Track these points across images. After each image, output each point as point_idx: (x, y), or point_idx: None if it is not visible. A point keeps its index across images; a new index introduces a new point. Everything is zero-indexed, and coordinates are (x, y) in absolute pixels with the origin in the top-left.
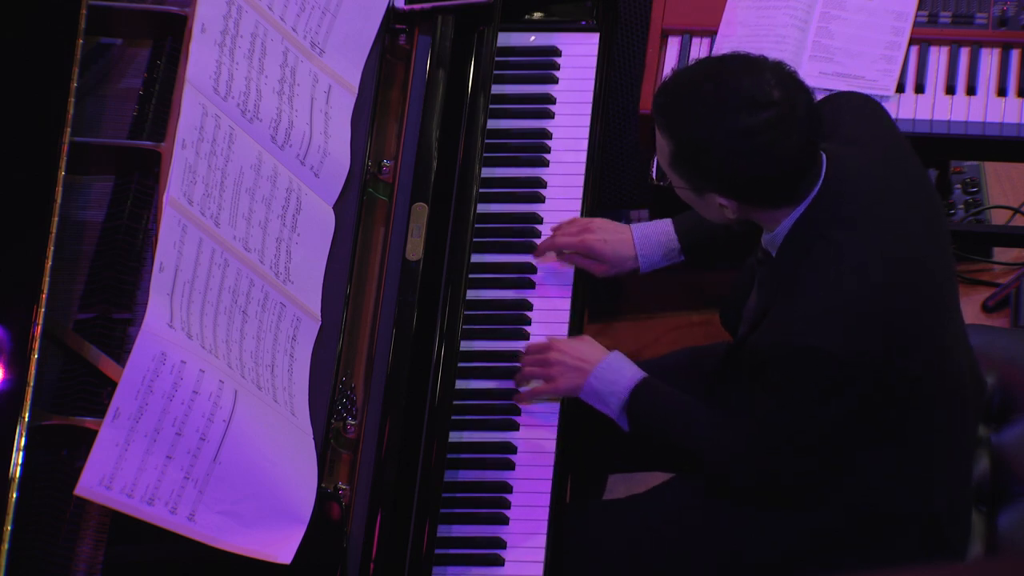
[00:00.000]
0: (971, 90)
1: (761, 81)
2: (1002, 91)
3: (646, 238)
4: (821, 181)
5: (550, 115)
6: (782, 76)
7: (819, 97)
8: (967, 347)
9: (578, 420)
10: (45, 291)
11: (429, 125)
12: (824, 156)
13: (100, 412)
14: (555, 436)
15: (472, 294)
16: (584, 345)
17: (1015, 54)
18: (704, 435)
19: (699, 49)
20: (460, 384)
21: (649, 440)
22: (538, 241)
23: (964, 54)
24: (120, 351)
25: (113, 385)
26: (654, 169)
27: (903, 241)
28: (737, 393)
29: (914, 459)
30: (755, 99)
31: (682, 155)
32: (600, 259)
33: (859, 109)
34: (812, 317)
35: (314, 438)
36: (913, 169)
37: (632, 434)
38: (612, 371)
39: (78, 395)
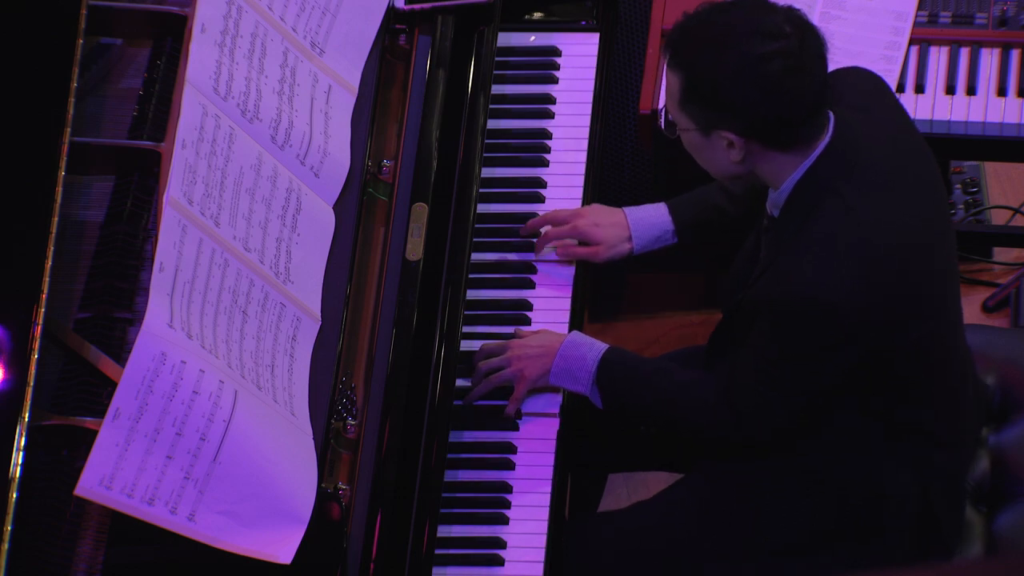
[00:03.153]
0: (971, 90)
1: (774, 16)
2: (1002, 91)
3: (640, 220)
4: (829, 137)
5: (550, 115)
6: (794, 16)
7: None
8: (965, 346)
9: (578, 420)
10: (45, 291)
11: (429, 125)
12: (832, 115)
13: (100, 412)
14: (555, 436)
15: (472, 294)
16: (541, 335)
17: (1015, 54)
18: (678, 393)
19: None
20: (460, 384)
21: (624, 411)
22: (537, 241)
23: (964, 54)
24: (120, 351)
25: (113, 385)
26: (662, 118)
27: (910, 212)
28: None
29: (911, 436)
30: (767, 30)
31: (692, 87)
32: (594, 243)
33: (865, 81)
34: (815, 268)
35: (314, 438)
36: (919, 147)
37: (606, 408)
38: (576, 347)
39: (78, 395)
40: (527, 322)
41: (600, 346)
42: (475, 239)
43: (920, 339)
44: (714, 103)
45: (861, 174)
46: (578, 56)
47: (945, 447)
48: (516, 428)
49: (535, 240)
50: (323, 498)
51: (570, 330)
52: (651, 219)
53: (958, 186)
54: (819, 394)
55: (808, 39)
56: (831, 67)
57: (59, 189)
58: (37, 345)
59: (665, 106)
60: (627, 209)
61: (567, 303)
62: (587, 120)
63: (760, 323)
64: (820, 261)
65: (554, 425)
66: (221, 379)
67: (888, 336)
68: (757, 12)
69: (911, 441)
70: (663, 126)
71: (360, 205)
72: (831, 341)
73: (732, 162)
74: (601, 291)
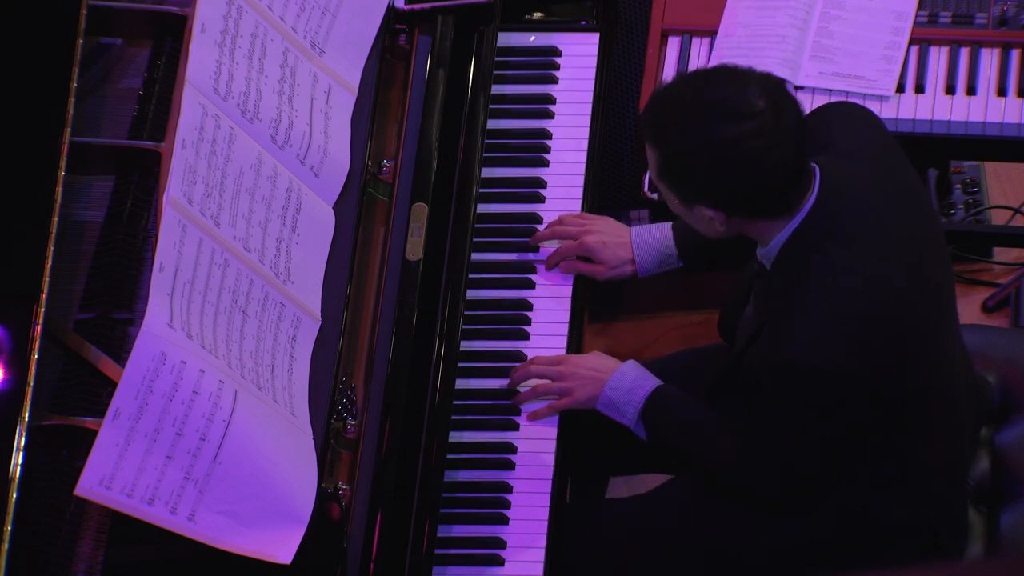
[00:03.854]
0: (971, 90)
1: (746, 92)
2: (1002, 91)
3: (644, 243)
4: (815, 195)
5: (550, 115)
6: (768, 87)
7: (817, 97)
8: (964, 356)
9: (578, 420)
10: (45, 291)
11: (429, 125)
12: (817, 169)
13: (100, 412)
14: (555, 436)
15: (472, 294)
16: (596, 358)
17: (1015, 54)
18: (721, 443)
19: (699, 49)
20: (460, 384)
21: (665, 449)
22: (537, 254)
23: (964, 54)
24: (120, 351)
25: (113, 385)
26: (646, 182)
27: (900, 256)
28: (736, 406)
29: (911, 474)
30: (739, 109)
31: (669, 167)
32: (598, 261)
33: (850, 118)
34: (809, 335)
35: (314, 438)
36: (907, 177)
37: (650, 443)
38: (627, 379)
39: (78, 395)
40: (527, 322)
41: (649, 384)
42: (475, 239)
43: (918, 380)
44: (690, 183)
45: (849, 229)
46: (578, 56)
47: (946, 479)
48: (516, 428)
49: (540, 245)
50: (323, 498)
51: (570, 331)
52: (655, 242)
53: (958, 186)
54: (833, 446)
55: (783, 110)
56: (831, 67)
57: (59, 189)
58: (37, 345)
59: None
60: (634, 229)
61: (567, 303)
62: (587, 120)
63: (761, 389)
64: (812, 329)
65: (554, 426)
66: (221, 379)
67: (888, 389)
68: (730, 86)
69: (911, 476)
70: (647, 188)
71: (360, 205)
72: (832, 402)
73: (717, 231)
74: (601, 291)
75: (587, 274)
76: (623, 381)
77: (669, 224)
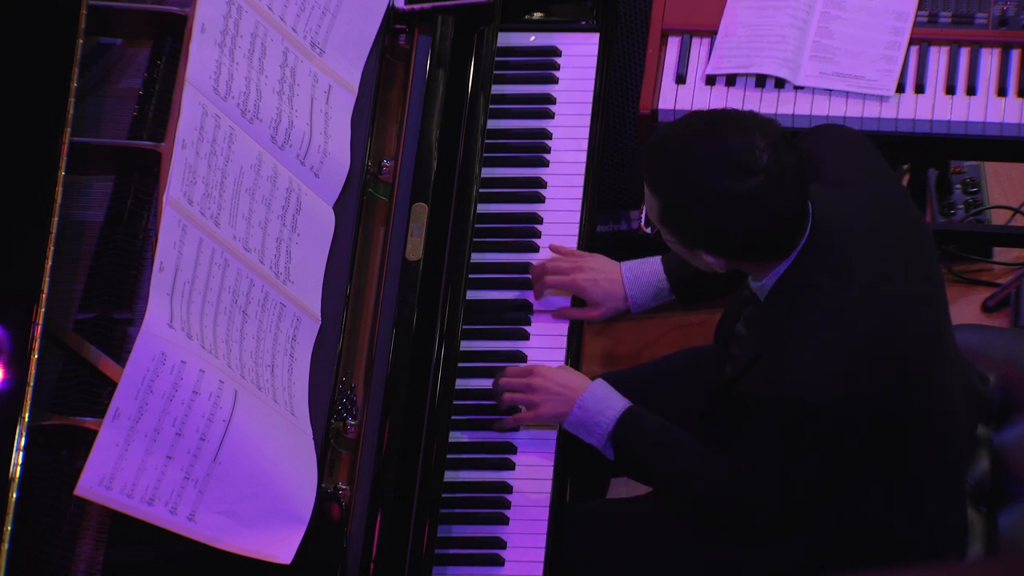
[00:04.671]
0: (971, 90)
1: (750, 143)
2: (1002, 91)
3: (636, 279)
4: (808, 231)
5: (550, 115)
6: (771, 136)
7: (817, 97)
8: (961, 367)
9: None
10: (45, 291)
11: (429, 125)
12: (810, 205)
13: (100, 412)
14: (555, 436)
15: (472, 294)
16: (567, 373)
17: (1015, 54)
18: (690, 467)
19: (699, 49)
20: (460, 384)
21: (632, 470)
22: (537, 255)
23: (964, 54)
24: (120, 351)
25: (113, 385)
26: (643, 218)
27: (893, 284)
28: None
29: (909, 487)
30: (743, 163)
31: (670, 215)
32: (590, 300)
33: (836, 143)
34: (803, 370)
35: (314, 438)
36: (896, 199)
37: (617, 464)
38: (597, 400)
39: (78, 395)
40: (527, 322)
41: (619, 405)
42: (475, 239)
43: (913, 407)
44: (692, 232)
45: (841, 262)
46: (578, 56)
47: (942, 497)
48: (516, 428)
49: (536, 241)
50: (323, 498)
51: (570, 330)
52: (647, 277)
53: (958, 186)
54: (829, 473)
55: (786, 162)
56: (831, 67)
57: (59, 189)
58: (37, 345)
59: (645, 208)
60: (624, 265)
61: (567, 303)
62: (587, 120)
63: (758, 425)
64: (808, 364)
65: (554, 426)
66: (221, 379)
67: (886, 415)
68: (733, 136)
69: (907, 496)
70: (643, 222)
71: (360, 205)
72: (829, 434)
73: (715, 270)
74: None
75: (582, 319)
76: (592, 402)
77: (659, 258)
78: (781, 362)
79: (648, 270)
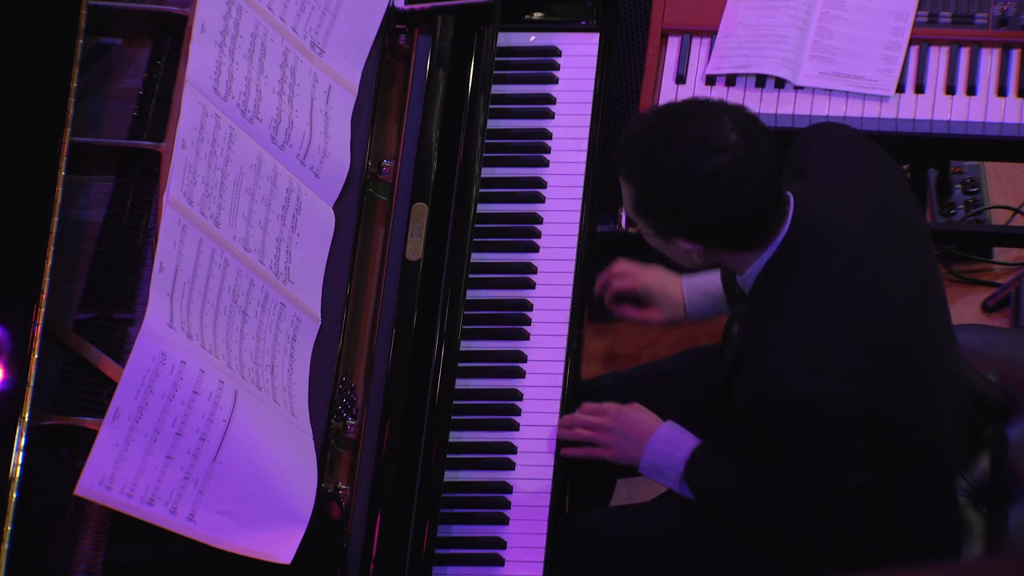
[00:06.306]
0: (971, 90)
1: (718, 126)
2: (1002, 91)
3: (694, 288)
4: (788, 223)
5: (550, 115)
6: (740, 120)
7: (817, 97)
8: (960, 367)
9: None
10: (45, 291)
11: (429, 125)
12: (792, 197)
13: (100, 412)
14: (555, 436)
15: (472, 294)
16: (637, 414)
17: (1015, 54)
18: (758, 499)
19: (699, 49)
20: (460, 384)
21: (712, 510)
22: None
23: (964, 54)
24: (120, 351)
25: (113, 385)
26: (623, 218)
27: (878, 283)
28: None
29: (903, 503)
30: (712, 143)
31: (644, 202)
32: (654, 301)
33: (830, 141)
34: (783, 365)
35: (314, 438)
36: (892, 200)
37: (698, 504)
38: (666, 443)
39: (78, 395)
40: (527, 322)
41: (688, 444)
42: (475, 239)
43: (904, 406)
44: (666, 218)
45: (823, 258)
46: (578, 56)
47: (936, 507)
48: (516, 428)
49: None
50: (323, 498)
51: (570, 331)
52: (705, 285)
53: (958, 186)
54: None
55: (756, 142)
56: (831, 67)
57: (59, 189)
58: (37, 345)
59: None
60: (684, 276)
61: (567, 303)
62: (587, 120)
63: (757, 432)
64: (787, 360)
65: (554, 426)
66: (221, 379)
67: (873, 413)
68: (702, 121)
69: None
70: (623, 223)
71: (360, 205)
72: (822, 431)
73: (695, 262)
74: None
75: (639, 320)
76: (661, 445)
77: (718, 270)
78: (762, 361)
79: (708, 280)
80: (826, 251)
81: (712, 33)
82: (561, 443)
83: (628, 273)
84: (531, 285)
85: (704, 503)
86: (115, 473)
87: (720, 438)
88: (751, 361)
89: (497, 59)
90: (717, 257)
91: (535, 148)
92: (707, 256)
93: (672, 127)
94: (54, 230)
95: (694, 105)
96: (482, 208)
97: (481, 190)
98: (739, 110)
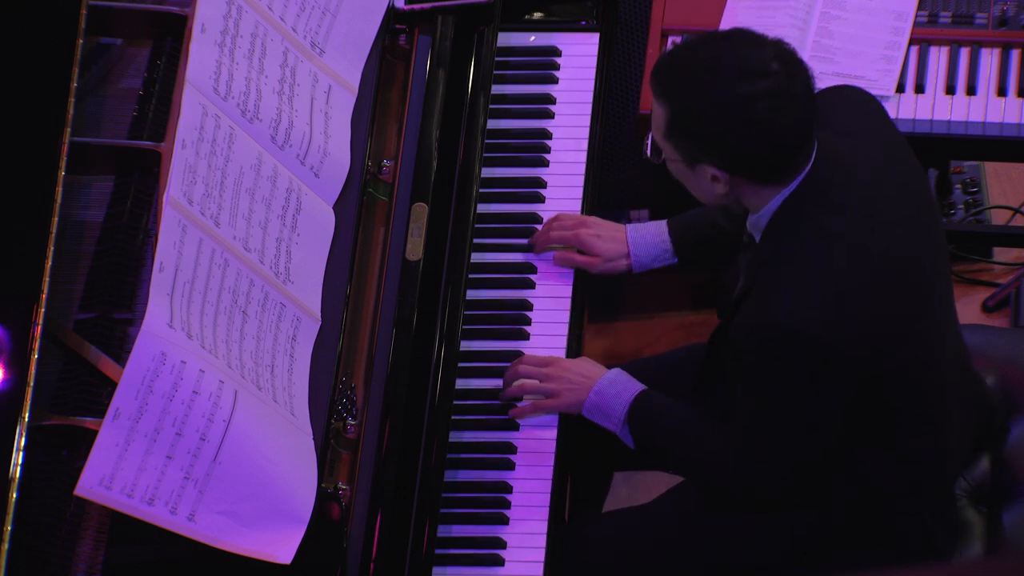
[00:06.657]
0: (971, 90)
1: (761, 53)
2: (1002, 91)
3: (639, 238)
4: (811, 165)
5: (550, 115)
6: (782, 52)
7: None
8: (961, 349)
9: (578, 419)
10: (45, 291)
11: (429, 125)
12: (816, 141)
13: (100, 412)
14: (555, 436)
15: (472, 294)
16: (584, 363)
17: (1015, 54)
18: (706, 444)
19: None
20: (460, 384)
21: (653, 454)
22: (536, 255)
23: (964, 54)
24: (120, 351)
25: (113, 385)
26: (648, 146)
27: (891, 232)
28: (724, 388)
29: (901, 461)
30: (753, 68)
31: (677, 122)
32: (592, 254)
33: (853, 102)
34: (795, 297)
35: (314, 438)
36: (907, 163)
37: (637, 449)
38: (613, 385)
39: (78, 395)
40: (527, 322)
41: (635, 388)
42: (475, 239)
43: (907, 360)
44: (699, 139)
45: (841, 200)
46: (578, 56)
47: (937, 467)
48: (516, 428)
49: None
50: (323, 498)
51: (570, 331)
52: (650, 237)
53: (958, 186)
54: (827, 430)
55: (796, 76)
56: (831, 67)
57: (59, 189)
58: (37, 345)
59: (651, 132)
60: (629, 226)
61: (567, 303)
62: (587, 120)
63: (748, 363)
64: (799, 291)
65: (554, 426)
66: (221, 379)
67: (874, 362)
68: (745, 47)
69: (901, 464)
70: (649, 153)
71: (360, 205)
72: (818, 369)
73: (717, 194)
74: (601, 291)
75: (582, 266)
76: (609, 387)
77: (664, 221)
78: (773, 290)
79: (653, 231)
80: (844, 193)
81: None
82: (505, 406)
83: (566, 226)
84: (531, 285)
85: (645, 447)
86: (115, 473)
87: (709, 402)
88: (760, 293)
89: (497, 59)
90: (739, 188)
91: (535, 148)
92: (731, 186)
93: (716, 48)
94: (54, 230)
95: (738, 33)
96: (482, 208)
97: (481, 190)
98: (781, 44)
